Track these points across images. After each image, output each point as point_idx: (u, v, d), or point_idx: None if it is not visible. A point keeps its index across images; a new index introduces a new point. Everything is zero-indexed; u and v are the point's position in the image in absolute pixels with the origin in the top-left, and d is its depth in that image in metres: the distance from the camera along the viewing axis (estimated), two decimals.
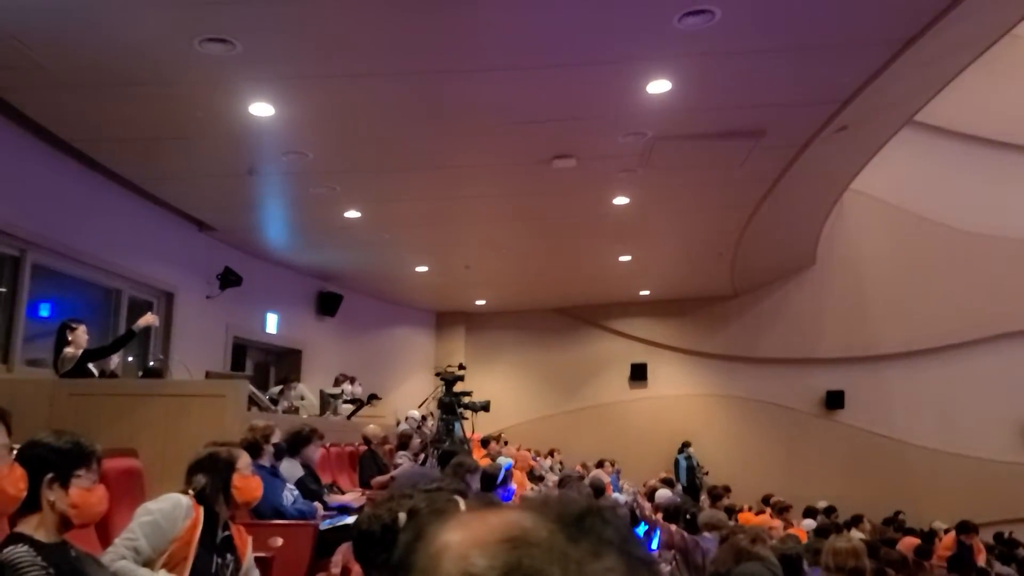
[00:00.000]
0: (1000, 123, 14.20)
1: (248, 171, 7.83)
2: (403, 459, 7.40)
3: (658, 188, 8.82)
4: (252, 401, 7.14)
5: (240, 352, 11.14)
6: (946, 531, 10.72)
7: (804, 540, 6.67)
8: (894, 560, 7.10)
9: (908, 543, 8.97)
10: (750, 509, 10.79)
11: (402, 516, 2.01)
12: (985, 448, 13.80)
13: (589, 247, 11.44)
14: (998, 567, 8.58)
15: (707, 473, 13.46)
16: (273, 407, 8.20)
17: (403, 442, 7.87)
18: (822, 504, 10.39)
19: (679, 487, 11.54)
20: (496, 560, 0.52)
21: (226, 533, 3.25)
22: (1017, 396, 13.87)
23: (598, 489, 7.30)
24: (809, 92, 6.56)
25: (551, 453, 12.12)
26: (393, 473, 6.86)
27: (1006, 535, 11.18)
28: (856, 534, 8.21)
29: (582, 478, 8.35)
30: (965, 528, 8.60)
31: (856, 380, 14.18)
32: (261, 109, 6.36)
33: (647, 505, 8.35)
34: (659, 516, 7.04)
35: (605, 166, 8.00)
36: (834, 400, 14.18)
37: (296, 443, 5.50)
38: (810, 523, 8.83)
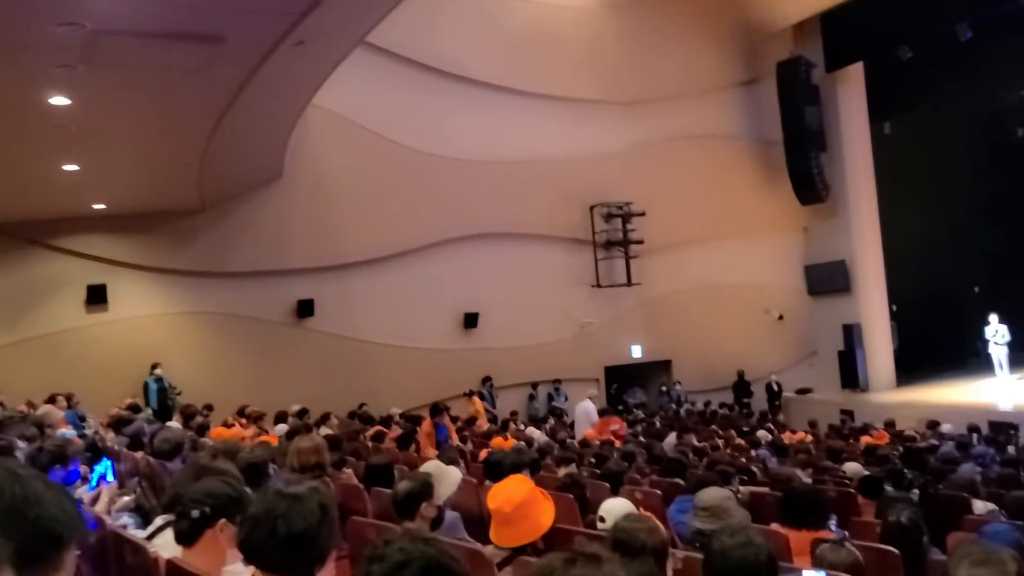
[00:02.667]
0: (439, 53, 16.07)
1: None
2: None
3: (107, 89, 7.88)
4: None
5: None
6: (401, 415, 12.28)
7: (276, 444, 6.97)
8: (357, 450, 7.94)
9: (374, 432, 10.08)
10: (231, 425, 10.79)
11: None
12: (431, 339, 16.07)
13: (22, 153, 9.71)
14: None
15: (180, 393, 13.04)
16: None
17: None
18: (295, 408, 10.92)
19: (148, 411, 10.94)
20: None
21: None
22: (455, 292, 16.36)
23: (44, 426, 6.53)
24: (267, 1, 6.49)
25: None
26: None
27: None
28: (325, 430, 8.87)
29: (26, 418, 7.32)
30: (436, 410, 10.02)
31: (325, 288, 15.05)
32: None
33: (110, 436, 7.73)
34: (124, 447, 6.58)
35: (36, 58, 6.82)
36: (305, 308, 14.87)
37: None
38: (283, 427, 9.21)
